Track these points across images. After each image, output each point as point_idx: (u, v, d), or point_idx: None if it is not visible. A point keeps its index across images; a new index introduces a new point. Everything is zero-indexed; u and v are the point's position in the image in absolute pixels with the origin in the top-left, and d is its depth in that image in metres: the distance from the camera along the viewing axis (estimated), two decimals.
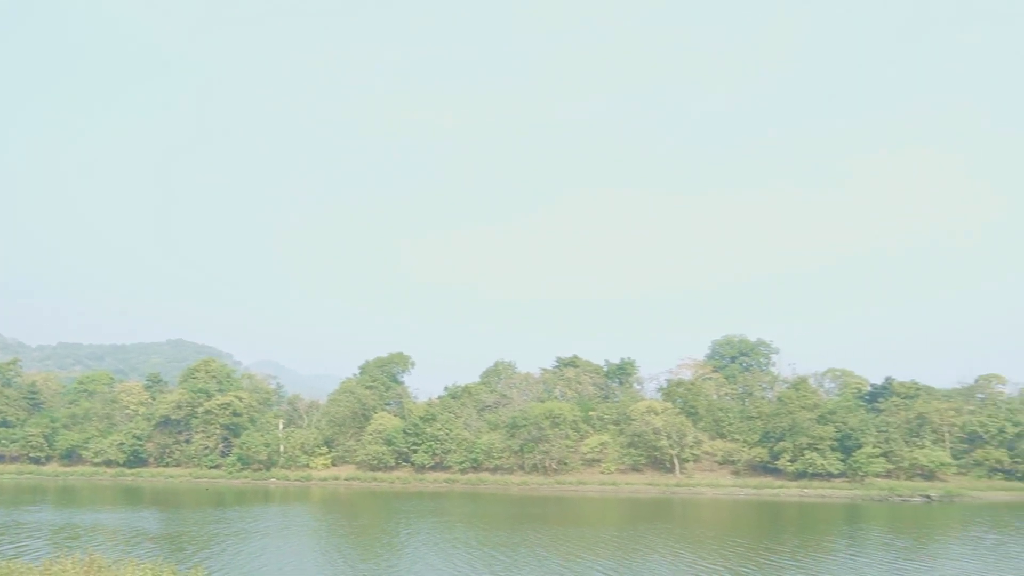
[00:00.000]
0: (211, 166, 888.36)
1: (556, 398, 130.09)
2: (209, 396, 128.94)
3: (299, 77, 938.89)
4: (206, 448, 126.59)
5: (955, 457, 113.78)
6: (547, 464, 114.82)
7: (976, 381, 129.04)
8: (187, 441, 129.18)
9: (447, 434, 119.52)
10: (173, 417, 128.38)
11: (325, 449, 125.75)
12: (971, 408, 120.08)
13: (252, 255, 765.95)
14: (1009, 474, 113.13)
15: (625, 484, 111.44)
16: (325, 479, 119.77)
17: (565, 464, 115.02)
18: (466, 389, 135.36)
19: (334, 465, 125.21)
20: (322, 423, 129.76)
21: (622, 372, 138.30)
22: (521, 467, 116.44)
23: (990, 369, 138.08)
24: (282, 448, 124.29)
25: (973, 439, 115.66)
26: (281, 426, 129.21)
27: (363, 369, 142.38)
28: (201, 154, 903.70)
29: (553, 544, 53.07)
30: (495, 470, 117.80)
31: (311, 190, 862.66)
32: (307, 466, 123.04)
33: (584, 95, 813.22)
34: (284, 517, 72.57)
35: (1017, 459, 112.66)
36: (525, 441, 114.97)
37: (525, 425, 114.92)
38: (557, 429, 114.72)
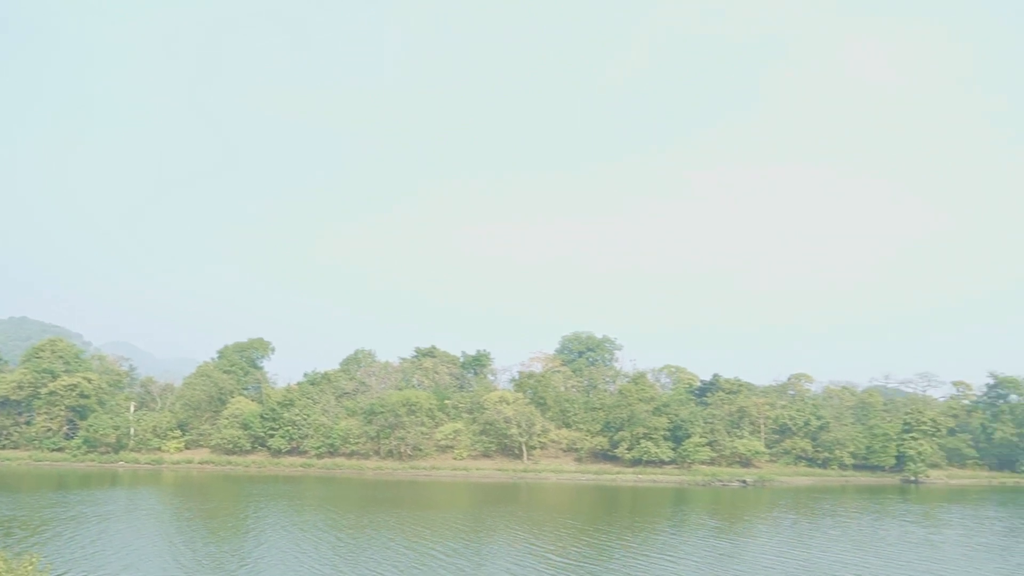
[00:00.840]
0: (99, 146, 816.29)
1: (414, 387, 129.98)
2: (55, 376, 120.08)
3: (173, 60, 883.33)
4: (49, 430, 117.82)
5: (768, 446, 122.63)
6: (402, 450, 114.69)
7: (788, 379, 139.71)
8: (28, 423, 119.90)
9: (305, 419, 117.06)
10: (13, 398, 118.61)
11: (178, 433, 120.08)
12: (783, 403, 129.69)
13: (105, 234, 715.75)
14: (811, 461, 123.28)
15: (476, 469, 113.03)
16: (177, 463, 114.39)
17: (420, 450, 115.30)
18: (325, 376, 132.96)
19: (188, 449, 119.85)
20: (176, 406, 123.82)
21: (477, 363, 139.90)
22: (377, 452, 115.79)
23: (801, 368, 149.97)
24: (132, 431, 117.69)
25: (783, 430, 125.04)
26: (132, 409, 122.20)
27: (222, 354, 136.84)
28: (76, 124, 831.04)
29: (401, 527, 53.33)
30: (351, 455, 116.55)
31: (178, 172, 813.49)
32: (159, 449, 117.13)
33: (444, 93, 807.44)
34: (130, 501, 68.93)
35: (819, 448, 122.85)
36: (382, 427, 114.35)
37: (382, 412, 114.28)
38: (413, 416, 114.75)
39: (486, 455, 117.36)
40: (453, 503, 77.31)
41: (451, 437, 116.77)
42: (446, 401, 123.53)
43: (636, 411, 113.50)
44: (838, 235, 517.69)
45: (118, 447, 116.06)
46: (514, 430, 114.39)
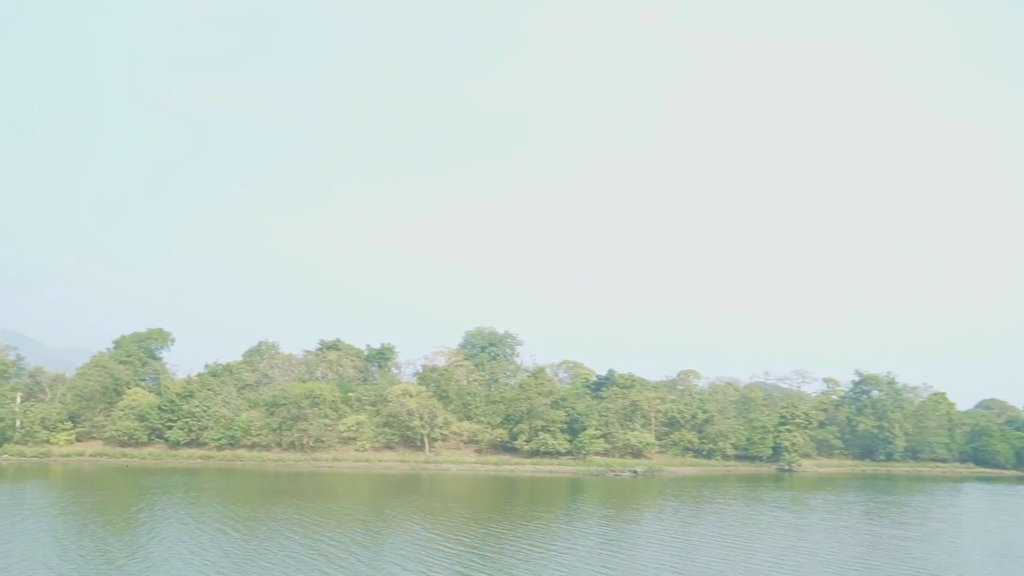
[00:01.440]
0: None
1: (317, 379, 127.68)
2: None
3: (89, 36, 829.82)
4: None
5: (658, 438, 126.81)
6: (304, 442, 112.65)
7: (678, 375, 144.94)
8: None
9: (205, 411, 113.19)
10: None
11: (69, 425, 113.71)
12: (673, 398, 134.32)
13: None
14: (697, 452, 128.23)
15: (378, 461, 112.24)
16: (68, 455, 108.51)
17: (322, 442, 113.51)
18: (227, 367, 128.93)
19: (79, 441, 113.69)
20: (68, 398, 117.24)
21: (382, 357, 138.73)
22: (279, 444, 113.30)
23: (689, 365, 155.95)
24: (18, 423, 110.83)
25: (672, 423, 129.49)
26: (19, 400, 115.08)
27: (118, 344, 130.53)
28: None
29: (300, 518, 52.61)
30: (252, 447, 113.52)
31: (69, 157, 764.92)
32: (47, 442, 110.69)
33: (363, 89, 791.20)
34: (12, 496, 65.14)
35: (704, 440, 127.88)
36: (284, 419, 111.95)
37: (285, 404, 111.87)
38: (316, 409, 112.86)
39: (388, 447, 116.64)
40: (354, 494, 76.68)
41: (354, 429, 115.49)
42: (350, 394, 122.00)
43: (535, 404, 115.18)
44: (706, 234, 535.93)
45: (1, 439, 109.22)
46: (417, 422, 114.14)
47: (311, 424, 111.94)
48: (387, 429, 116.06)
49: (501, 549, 43.10)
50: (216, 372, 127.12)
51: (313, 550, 40.76)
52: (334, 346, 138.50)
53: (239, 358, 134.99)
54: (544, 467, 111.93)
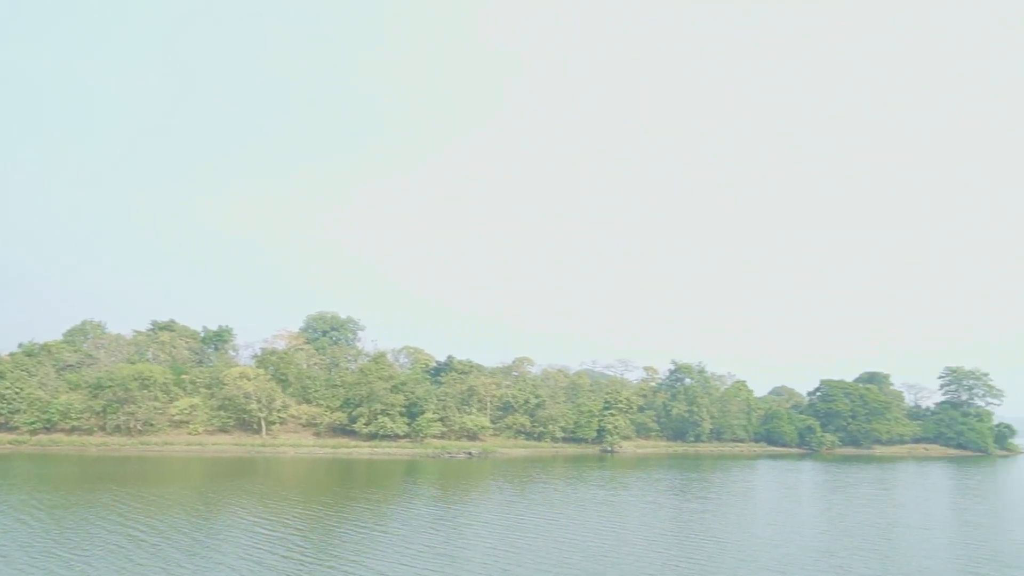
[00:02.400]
0: None
1: (148, 360, 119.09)
2: None
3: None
4: None
5: (493, 421, 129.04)
6: (132, 425, 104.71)
7: (513, 362, 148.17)
8: None
9: (17, 393, 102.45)
10: None
11: None
12: (508, 383, 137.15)
13: None
14: (529, 435, 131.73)
15: (212, 444, 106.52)
16: None
17: (152, 425, 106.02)
18: (45, 347, 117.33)
19: None
20: None
21: (219, 339, 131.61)
22: (103, 428, 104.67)
23: (525, 353, 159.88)
24: None
25: (507, 407, 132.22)
26: None
27: None
28: None
29: (118, 505, 48.72)
30: (72, 431, 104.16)
31: None
32: None
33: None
34: None
35: (536, 423, 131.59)
36: (109, 402, 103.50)
37: (111, 386, 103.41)
38: (146, 391, 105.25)
39: (224, 430, 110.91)
40: (182, 479, 72.17)
41: (187, 412, 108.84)
42: (183, 376, 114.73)
43: (375, 389, 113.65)
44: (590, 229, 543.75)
45: None
46: (254, 405, 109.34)
47: (140, 407, 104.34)
48: (222, 412, 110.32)
49: (329, 532, 42.09)
50: (31, 352, 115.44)
51: (126, 537, 37.84)
52: (167, 327, 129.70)
53: (60, 337, 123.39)
54: (382, 450, 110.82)
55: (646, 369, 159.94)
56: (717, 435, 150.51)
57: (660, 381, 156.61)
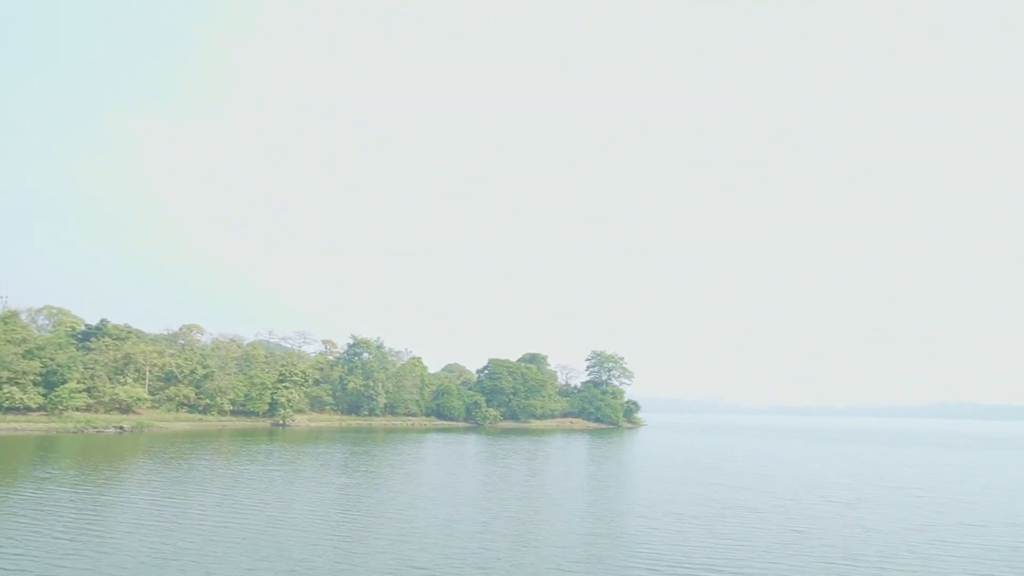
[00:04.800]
0: None
1: None
2: None
3: None
4: None
5: (153, 393, 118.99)
6: None
7: (180, 329, 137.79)
8: None
9: None
10: None
11: None
12: (172, 352, 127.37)
13: None
14: (194, 407, 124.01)
15: None
16: None
17: None
18: None
19: None
20: None
21: None
22: None
23: (194, 320, 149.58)
24: None
25: (170, 378, 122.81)
26: None
27: None
28: None
29: None
30: None
31: None
32: None
33: None
34: None
35: (202, 395, 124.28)
36: None
37: None
38: None
39: None
40: None
41: None
42: None
43: (3, 354, 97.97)
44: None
45: None
46: None
47: None
48: None
49: None
50: None
51: None
52: None
53: None
54: (6, 424, 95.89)
55: (325, 342, 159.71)
56: (391, 409, 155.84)
57: (338, 355, 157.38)
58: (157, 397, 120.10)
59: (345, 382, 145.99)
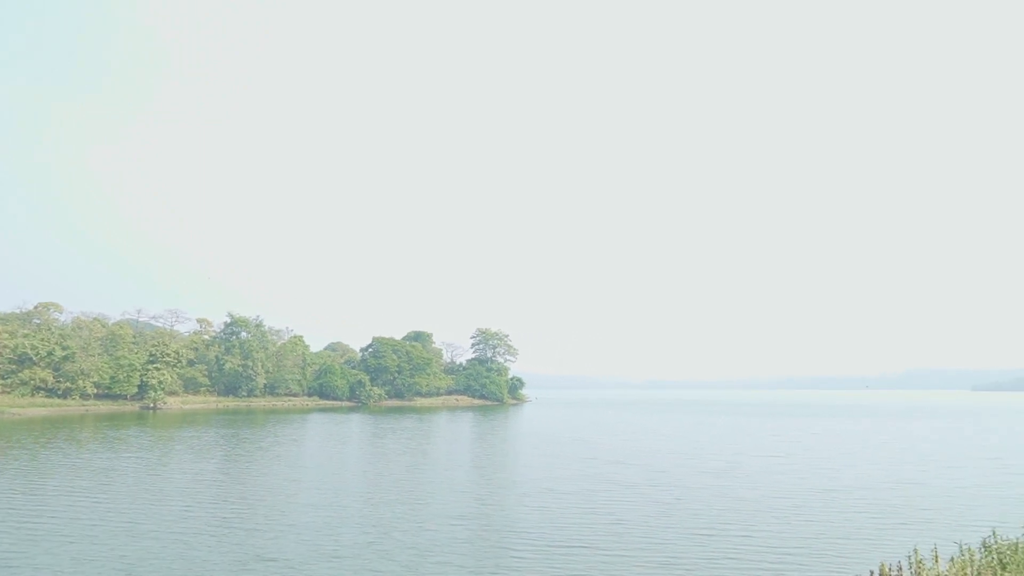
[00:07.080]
0: None
1: None
2: None
3: None
4: None
5: (4, 377, 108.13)
6: None
7: (35, 307, 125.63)
8: None
9: None
10: None
11: None
12: (26, 332, 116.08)
13: None
14: (52, 392, 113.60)
15: None
16: None
17: None
18: None
19: None
20: None
21: None
22: None
23: (52, 298, 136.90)
24: None
25: (23, 360, 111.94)
26: None
27: None
28: None
29: None
30: None
31: None
32: None
33: None
34: None
35: (61, 378, 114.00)
36: None
37: None
38: None
39: None
40: None
41: None
42: None
43: None
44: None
45: None
46: None
47: None
48: None
49: None
50: None
51: None
52: None
53: None
54: None
55: (199, 321, 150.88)
56: (271, 389, 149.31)
57: (215, 334, 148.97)
58: (9, 381, 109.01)
59: (222, 362, 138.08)
